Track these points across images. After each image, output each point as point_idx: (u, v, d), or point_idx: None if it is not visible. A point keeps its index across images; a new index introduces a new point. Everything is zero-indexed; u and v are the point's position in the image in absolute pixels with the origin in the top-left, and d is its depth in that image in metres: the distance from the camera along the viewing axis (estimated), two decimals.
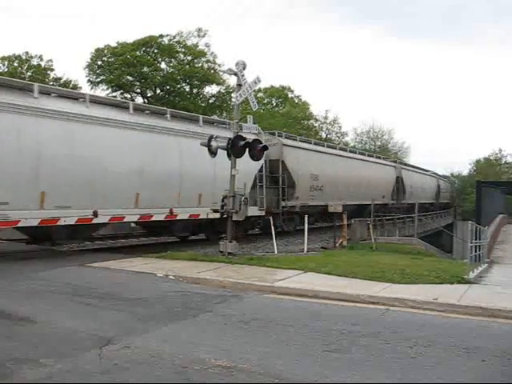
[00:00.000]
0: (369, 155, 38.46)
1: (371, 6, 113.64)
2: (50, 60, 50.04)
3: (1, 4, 64.11)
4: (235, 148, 14.22)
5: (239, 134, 14.55)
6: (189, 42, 50.05)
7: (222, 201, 14.45)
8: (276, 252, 16.57)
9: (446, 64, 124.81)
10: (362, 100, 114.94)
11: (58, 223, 13.77)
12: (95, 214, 14.43)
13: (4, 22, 72.64)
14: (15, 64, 48.78)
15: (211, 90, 52.51)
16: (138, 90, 49.89)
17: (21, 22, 77.69)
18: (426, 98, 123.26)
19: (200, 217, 17.74)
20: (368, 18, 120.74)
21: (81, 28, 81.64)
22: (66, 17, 79.67)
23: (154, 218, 16.50)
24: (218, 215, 15.42)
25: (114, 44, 47.13)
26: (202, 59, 50.02)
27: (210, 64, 50.26)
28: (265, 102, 61.81)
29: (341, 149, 34.38)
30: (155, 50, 48.26)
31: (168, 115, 17.64)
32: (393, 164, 39.97)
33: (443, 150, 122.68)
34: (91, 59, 47.22)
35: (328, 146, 31.99)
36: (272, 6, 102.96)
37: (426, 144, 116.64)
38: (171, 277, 10.86)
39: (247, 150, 14.51)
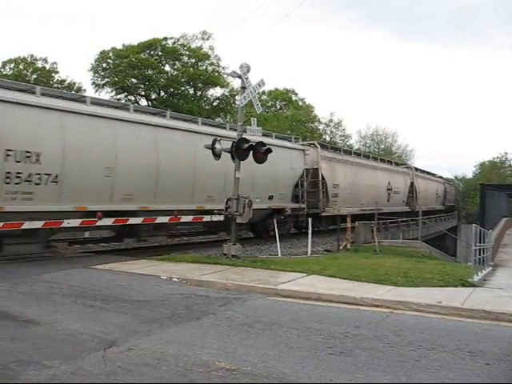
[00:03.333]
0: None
1: (378, 9, 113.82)
2: (55, 62, 50.30)
3: (5, 6, 64.40)
4: (239, 151, 14.23)
5: (243, 136, 14.59)
6: (193, 45, 50.20)
7: (226, 203, 14.46)
8: (280, 255, 16.59)
9: (452, 67, 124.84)
10: (366, 103, 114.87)
11: None
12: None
13: (9, 24, 73.04)
14: (20, 67, 48.98)
15: (215, 92, 52.71)
16: (143, 93, 50.05)
17: (26, 24, 78.17)
18: (430, 100, 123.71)
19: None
20: (375, 22, 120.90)
21: (85, 30, 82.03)
22: (71, 19, 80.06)
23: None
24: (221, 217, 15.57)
25: (118, 46, 47.35)
26: (206, 62, 50.14)
27: (213, 66, 50.37)
28: (269, 104, 61.85)
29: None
30: (159, 53, 48.42)
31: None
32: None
33: (448, 153, 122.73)
34: (96, 61, 47.41)
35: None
36: (276, 8, 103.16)
37: (430, 146, 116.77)
38: (175, 279, 10.88)
39: (251, 152, 14.53)
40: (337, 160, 28.21)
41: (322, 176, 25.39)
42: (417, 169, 44.94)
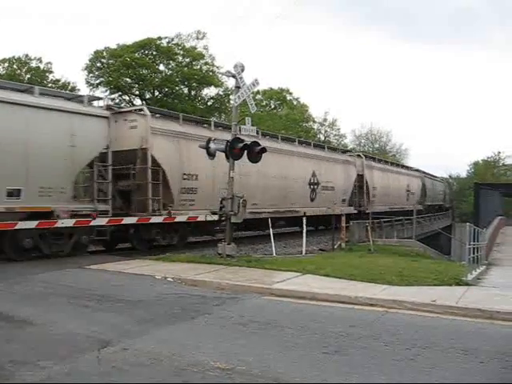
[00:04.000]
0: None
1: (373, 9, 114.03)
2: (49, 62, 50.17)
3: (2, 4, 64.08)
4: (234, 150, 14.24)
5: (237, 136, 14.60)
6: (187, 45, 50.14)
7: (221, 203, 14.46)
8: (274, 254, 16.58)
9: (447, 67, 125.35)
10: (360, 102, 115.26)
11: None
12: None
13: (3, 23, 72.71)
14: (14, 66, 48.80)
15: (210, 92, 52.67)
16: (137, 92, 49.94)
17: (20, 23, 77.86)
18: (425, 100, 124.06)
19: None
20: (370, 21, 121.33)
21: (80, 30, 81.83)
22: (65, 19, 79.77)
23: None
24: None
25: (113, 46, 47.26)
26: (201, 61, 50.07)
27: (208, 66, 50.31)
28: (263, 104, 61.86)
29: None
30: (154, 52, 48.32)
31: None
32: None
33: (442, 153, 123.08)
34: (90, 61, 47.29)
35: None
36: (271, 8, 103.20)
37: (424, 147, 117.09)
38: (169, 279, 10.86)
39: (246, 152, 14.53)
40: (193, 137, 18.05)
41: (155, 160, 16.50)
42: (372, 158, 36.37)
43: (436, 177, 56.55)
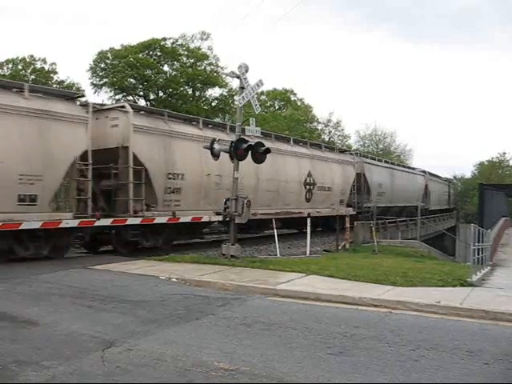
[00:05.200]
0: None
1: (377, 9, 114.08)
2: (54, 63, 50.24)
3: (3, 5, 64.31)
4: (238, 151, 14.22)
5: (242, 136, 14.59)
6: (192, 45, 50.20)
7: (225, 203, 14.45)
8: (278, 255, 16.59)
9: (451, 66, 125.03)
10: (365, 103, 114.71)
11: None
12: None
13: (7, 23, 72.96)
14: (19, 67, 48.91)
15: (214, 92, 52.63)
16: (141, 93, 50.03)
17: (20, 24, 78.11)
18: (428, 100, 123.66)
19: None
20: (374, 22, 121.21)
21: (80, 31, 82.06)
22: (65, 19, 79.92)
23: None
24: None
25: (117, 46, 47.36)
26: (205, 62, 50.11)
27: (212, 67, 50.36)
28: (267, 104, 61.86)
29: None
30: (158, 53, 48.39)
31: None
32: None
33: (447, 153, 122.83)
34: (94, 62, 47.39)
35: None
36: (272, 9, 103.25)
37: (429, 147, 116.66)
38: (174, 279, 10.88)
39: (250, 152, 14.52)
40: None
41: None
42: (173, 116, 18.41)
43: (410, 168, 43.07)
